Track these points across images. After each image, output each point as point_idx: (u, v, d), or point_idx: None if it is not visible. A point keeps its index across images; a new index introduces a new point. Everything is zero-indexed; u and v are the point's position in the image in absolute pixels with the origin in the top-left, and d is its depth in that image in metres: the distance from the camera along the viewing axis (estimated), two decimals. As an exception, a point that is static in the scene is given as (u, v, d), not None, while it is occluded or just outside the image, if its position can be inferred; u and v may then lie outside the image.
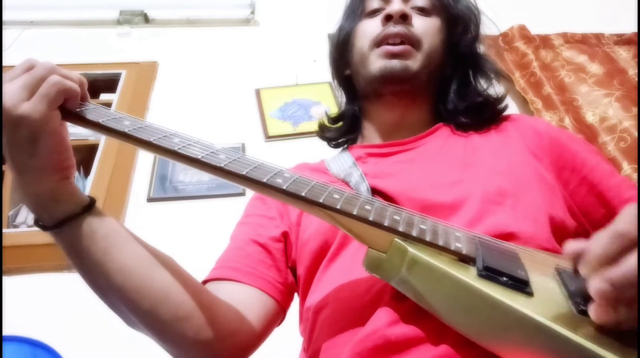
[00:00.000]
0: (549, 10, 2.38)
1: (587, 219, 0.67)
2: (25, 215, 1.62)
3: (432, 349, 0.48)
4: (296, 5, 2.41)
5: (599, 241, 0.38)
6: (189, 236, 1.53)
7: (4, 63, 1.74)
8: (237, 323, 0.60)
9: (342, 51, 0.84)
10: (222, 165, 0.48)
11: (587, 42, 2.15)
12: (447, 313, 0.46)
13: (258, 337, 0.63)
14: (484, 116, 0.77)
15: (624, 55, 2.10)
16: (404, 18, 0.75)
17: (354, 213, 0.48)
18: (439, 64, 0.78)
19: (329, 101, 2.00)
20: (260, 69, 2.13)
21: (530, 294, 0.44)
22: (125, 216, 1.62)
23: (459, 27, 0.80)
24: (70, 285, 1.26)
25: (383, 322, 0.51)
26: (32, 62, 0.48)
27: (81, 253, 0.51)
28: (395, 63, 0.73)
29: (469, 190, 0.63)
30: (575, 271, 0.41)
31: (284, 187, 0.48)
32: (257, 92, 2.04)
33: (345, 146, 0.87)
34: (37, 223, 0.51)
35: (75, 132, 1.50)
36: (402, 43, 0.74)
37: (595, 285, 0.37)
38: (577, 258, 0.40)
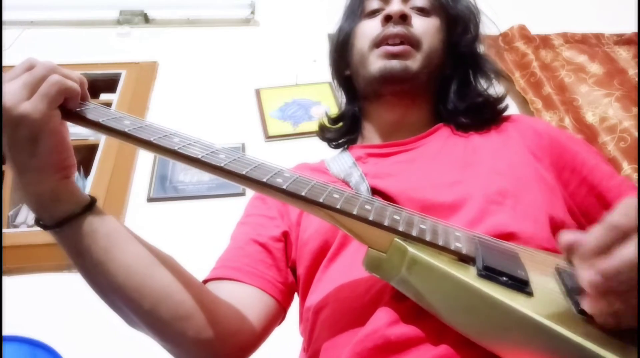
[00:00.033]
0: (549, 10, 2.38)
1: (587, 220, 0.67)
2: (25, 215, 1.62)
3: (432, 349, 0.48)
4: (296, 5, 2.41)
5: (593, 233, 0.38)
6: (189, 236, 1.53)
7: (4, 63, 1.74)
8: (238, 323, 0.60)
9: (342, 51, 0.84)
10: (222, 165, 0.48)
11: (587, 42, 2.15)
12: (447, 313, 0.46)
13: (258, 336, 0.64)
14: (484, 116, 0.77)
15: (624, 55, 2.10)
16: (403, 18, 0.75)
17: (354, 212, 0.48)
18: (438, 64, 0.78)
19: (329, 101, 2.00)
20: (260, 69, 2.13)
21: (530, 294, 0.44)
22: (125, 216, 1.62)
23: (459, 27, 0.80)
24: (70, 285, 1.27)
25: (383, 322, 0.51)
26: (33, 62, 0.48)
27: (82, 252, 0.51)
28: (395, 63, 0.73)
29: (469, 190, 0.63)
30: (570, 263, 0.41)
31: (284, 187, 0.48)
32: (257, 92, 2.04)
33: (346, 146, 0.87)
34: (37, 222, 0.51)
35: (76, 132, 1.50)
36: (401, 43, 0.74)
37: (586, 275, 0.37)
38: (570, 249, 0.40)
